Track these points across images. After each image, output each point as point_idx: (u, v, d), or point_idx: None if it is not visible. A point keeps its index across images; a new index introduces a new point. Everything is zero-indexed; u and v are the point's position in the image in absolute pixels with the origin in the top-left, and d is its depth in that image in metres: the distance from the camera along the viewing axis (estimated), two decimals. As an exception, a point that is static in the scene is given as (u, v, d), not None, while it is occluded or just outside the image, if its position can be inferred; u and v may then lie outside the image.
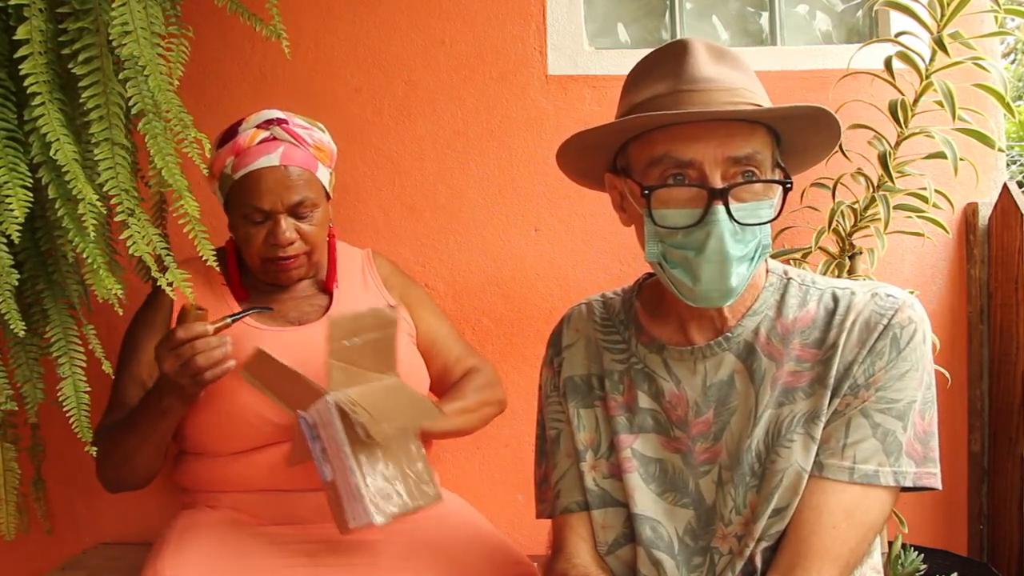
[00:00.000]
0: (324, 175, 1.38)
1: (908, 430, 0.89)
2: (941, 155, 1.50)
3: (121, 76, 1.10)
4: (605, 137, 0.93)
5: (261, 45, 1.79)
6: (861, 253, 1.60)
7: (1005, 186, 1.75)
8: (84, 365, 1.22)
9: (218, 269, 1.25)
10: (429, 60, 1.82)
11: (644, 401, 0.99)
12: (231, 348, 1.19)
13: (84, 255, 1.13)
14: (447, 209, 1.83)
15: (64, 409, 1.20)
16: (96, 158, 1.10)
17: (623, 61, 1.74)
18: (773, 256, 1.39)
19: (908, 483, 0.89)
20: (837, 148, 1.16)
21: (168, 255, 1.18)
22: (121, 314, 1.19)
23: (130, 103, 1.11)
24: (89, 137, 1.11)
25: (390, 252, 1.64)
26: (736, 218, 0.86)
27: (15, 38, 1.07)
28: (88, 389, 1.22)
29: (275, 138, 1.33)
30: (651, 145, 0.88)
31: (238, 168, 1.32)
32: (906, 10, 1.53)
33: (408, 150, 1.83)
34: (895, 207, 1.52)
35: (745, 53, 1.00)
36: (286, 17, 1.32)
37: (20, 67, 1.07)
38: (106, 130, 1.11)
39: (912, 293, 1.00)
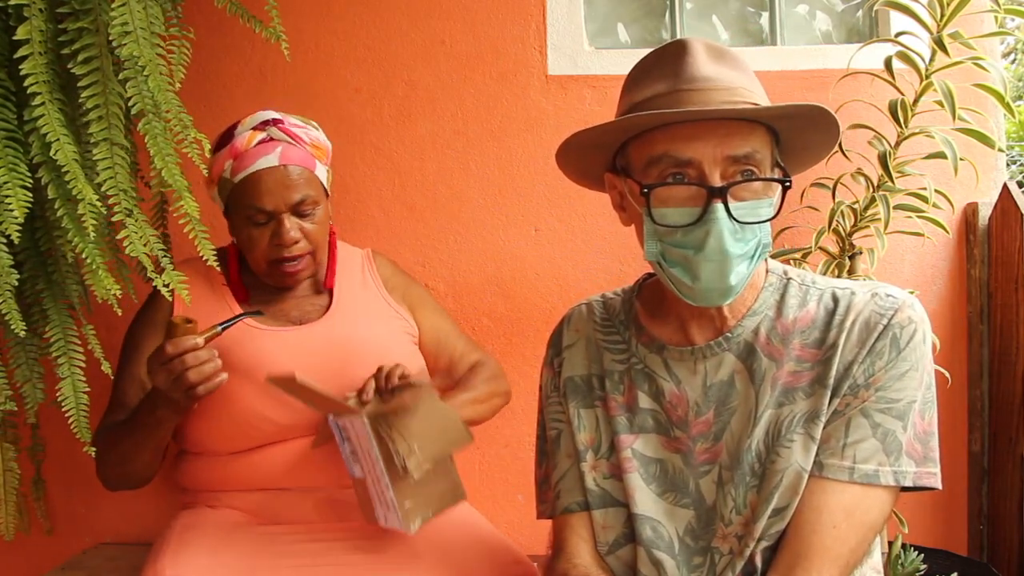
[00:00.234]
0: (322, 172, 1.38)
1: (908, 430, 0.89)
2: (941, 155, 1.50)
3: (121, 76, 1.11)
4: (604, 136, 0.93)
5: (261, 46, 1.79)
6: (861, 253, 1.60)
7: (1005, 186, 1.75)
8: (83, 365, 1.23)
9: (218, 269, 1.25)
10: (429, 60, 1.82)
11: (644, 401, 0.99)
12: (220, 363, 1.18)
13: (83, 255, 1.13)
14: (447, 209, 1.83)
15: (63, 409, 1.20)
16: (95, 158, 1.10)
17: (623, 61, 1.74)
18: (773, 256, 1.39)
19: (908, 483, 0.89)
20: (837, 148, 1.16)
21: (165, 256, 1.18)
22: (120, 314, 1.19)
23: (130, 103, 1.11)
24: (88, 137, 1.11)
25: (390, 252, 1.64)
26: (735, 216, 0.86)
27: (15, 38, 1.07)
28: (87, 389, 1.22)
29: (272, 139, 1.32)
30: (650, 144, 0.88)
31: (237, 171, 1.31)
32: (906, 10, 1.53)
33: (408, 150, 1.83)
34: (895, 207, 1.52)
35: (745, 53, 1.00)
36: (286, 18, 1.32)
37: (20, 67, 1.07)
38: (105, 130, 1.11)
39: (912, 293, 1.00)
